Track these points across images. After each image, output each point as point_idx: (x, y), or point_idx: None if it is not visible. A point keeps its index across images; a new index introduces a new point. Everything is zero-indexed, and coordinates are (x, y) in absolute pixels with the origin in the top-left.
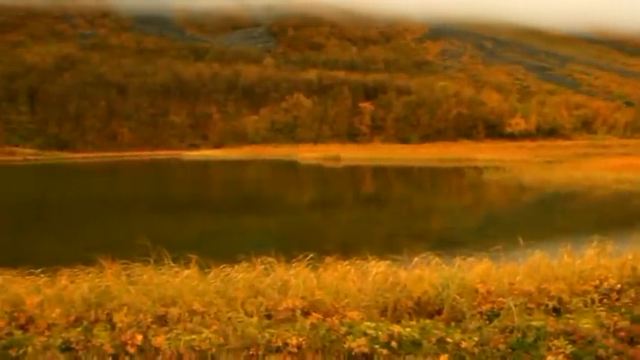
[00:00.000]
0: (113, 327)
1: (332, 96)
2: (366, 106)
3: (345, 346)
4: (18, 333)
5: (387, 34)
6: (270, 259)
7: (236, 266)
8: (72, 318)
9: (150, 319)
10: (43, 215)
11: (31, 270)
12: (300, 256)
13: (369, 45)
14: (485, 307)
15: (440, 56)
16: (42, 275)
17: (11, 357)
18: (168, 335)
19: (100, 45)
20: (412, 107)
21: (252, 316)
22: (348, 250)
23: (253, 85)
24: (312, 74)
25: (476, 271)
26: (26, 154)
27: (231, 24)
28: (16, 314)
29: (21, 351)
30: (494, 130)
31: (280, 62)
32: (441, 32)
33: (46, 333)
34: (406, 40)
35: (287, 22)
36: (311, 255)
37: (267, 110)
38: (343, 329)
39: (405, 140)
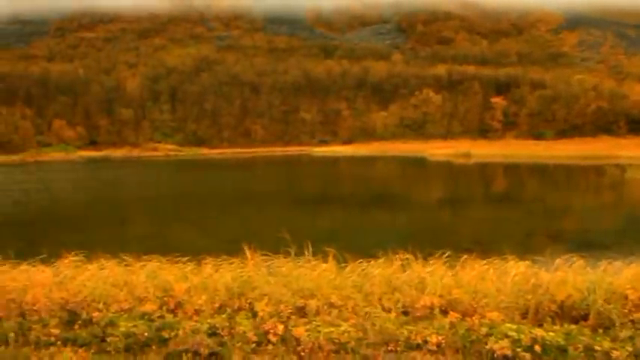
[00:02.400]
0: (255, 315)
1: (462, 91)
2: (498, 101)
3: (487, 347)
4: (169, 316)
5: (520, 25)
6: (406, 256)
7: (372, 261)
8: (216, 305)
9: (289, 310)
10: (184, 207)
11: (178, 258)
12: (437, 254)
13: (501, 38)
14: (637, 315)
15: (577, 47)
16: (188, 264)
17: (163, 338)
18: (308, 326)
19: (234, 46)
20: (547, 102)
21: (389, 312)
22: (483, 248)
23: (382, 82)
24: (441, 69)
25: (625, 276)
26: (167, 150)
27: (359, 21)
28: (166, 299)
29: (172, 333)
30: (638, 125)
31: (409, 58)
32: (577, 22)
33: (194, 318)
34: (540, 31)
35: (416, 18)
36: (447, 253)
37: (396, 106)
38: (483, 330)
39: (539, 136)
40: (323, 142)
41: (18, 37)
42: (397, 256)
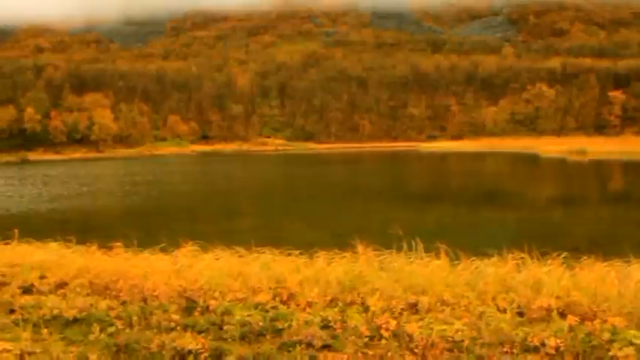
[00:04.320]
0: (366, 310)
1: (577, 85)
2: (617, 95)
3: (610, 354)
4: (282, 307)
5: None
6: (521, 255)
7: (485, 259)
8: (328, 298)
9: (401, 306)
10: (294, 200)
11: (290, 251)
12: (554, 254)
13: (620, 28)
14: None
15: None
16: (300, 256)
17: (277, 328)
18: (420, 323)
19: (341, 41)
20: None
21: (504, 312)
22: (600, 250)
23: (492, 76)
24: (555, 62)
25: None
26: (276, 145)
27: (468, 14)
28: (279, 290)
29: (286, 324)
30: None
31: (521, 51)
32: None
33: (307, 310)
34: None
35: (527, 9)
36: (564, 253)
37: (506, 101)
38: (605, 335)
39: None
40: (431, 138)
41: (136, 37)
42: (511, 254)
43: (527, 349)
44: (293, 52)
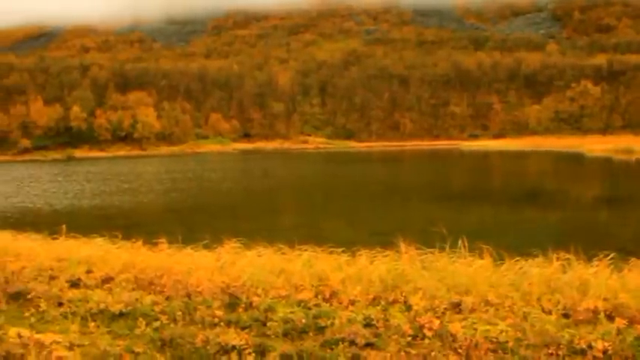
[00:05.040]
0: (409, 309)
1: (624, 82)
2: None
3: None
4: (325, 305)
5: None
6: (567, 256)
7: (529, 260)
8: (370, 296)
9: (444, 305)
10: (333, 199)
11: (332, 249)
12: (600, 255)
13: None
14: None
15: None
16: (342, 254)
17: (320, 326)
18: (464, 323)
19: (382, 39)
20: None
21: (549, 314)
22: None
23: (536, 73)
24: (601, 59)
25: None
26: (317, 143)
27: (511, 10)
28: (321, 288)
29: (329, 322)
30: None
31: (565, 48)
32: None
33: (350, 308)
34: None
35: (573, 5)
36: (611, 254)
37: (550, 99)
38: None
39: None
40: (473, 136)
41: (178, 36)
42: (556, 255)
43: (574, 352)
44: (334, 50)
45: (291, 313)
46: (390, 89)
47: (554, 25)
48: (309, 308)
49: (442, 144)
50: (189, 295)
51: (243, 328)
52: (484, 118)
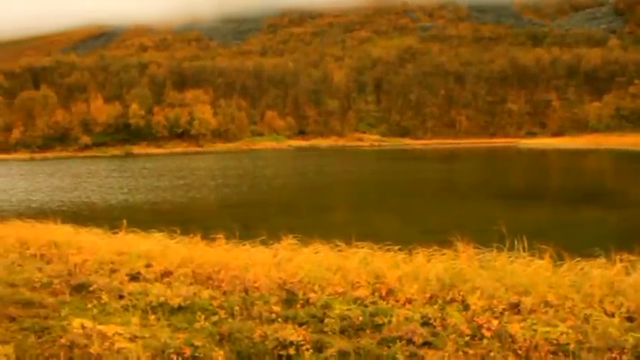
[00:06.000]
0: (467, 308)
1: None
2: None
3: None
4: (381, 303)
5: None
6: (630, 257)
7: (591, 261)
8: (427, 295)
9: (503, 306)
10: (388, 196)
11: (389, 247)
12: None
13: None
14: None
15: None
16: (399, 252)
17: (377, 324)
18: (523, 324)
19: (438, 36)
20: None
21: (612, 317)
22: None
23: (596, 69)
24: None
25: None
26: (372, 140)
27: (570, 5)
28: (377, 285)
29: (386, 320)
30: None
31: (627, 43)
32: None
33: (406, 306)
34: None
35: None
36: None
37: (611, 96)
38: None
39: None
40: (531, 134)
41: (234, 34)
42: (619, 256)
43: (639, 356)
44: (389, 47)
45: (348, 310)
46: (445, 86)
47: (616, 20)
48: (366, 306)
49: (499, 142)
50: (246, 291)
51: (300, 325)
52: (542, 115)
